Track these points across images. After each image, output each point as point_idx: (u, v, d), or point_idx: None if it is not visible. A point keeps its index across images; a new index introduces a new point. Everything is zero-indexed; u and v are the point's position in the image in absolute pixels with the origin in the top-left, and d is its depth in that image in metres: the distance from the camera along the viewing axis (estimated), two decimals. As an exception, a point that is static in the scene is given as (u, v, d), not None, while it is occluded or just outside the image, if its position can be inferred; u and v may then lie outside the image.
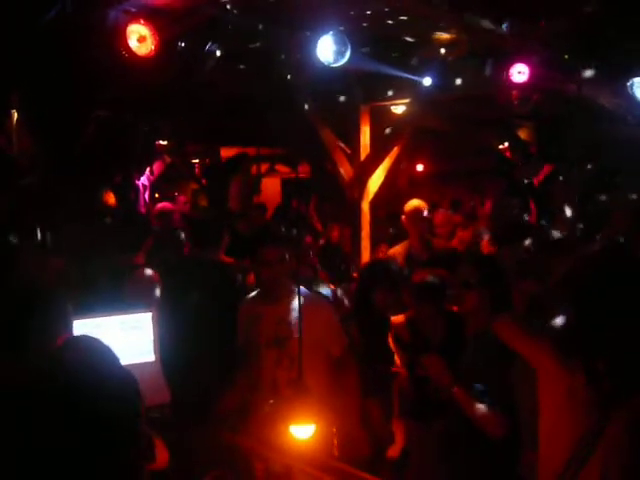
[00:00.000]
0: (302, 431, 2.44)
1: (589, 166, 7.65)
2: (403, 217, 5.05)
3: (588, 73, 4.64)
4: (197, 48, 3.99)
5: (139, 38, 3.46)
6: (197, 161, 10.12)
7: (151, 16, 3.54)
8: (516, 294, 2.73)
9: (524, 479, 2.54)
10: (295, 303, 2.58)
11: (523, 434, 2.52)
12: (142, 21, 3.47)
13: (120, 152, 6.23)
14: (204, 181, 9.06)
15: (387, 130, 5.96)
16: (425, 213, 5.04)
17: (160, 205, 6.45)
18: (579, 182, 7.24)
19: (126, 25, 3.42)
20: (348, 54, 4.42)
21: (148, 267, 3.70)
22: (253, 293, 3.32)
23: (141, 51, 3.47)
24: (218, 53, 4.32)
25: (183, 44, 3.92)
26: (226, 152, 10.28)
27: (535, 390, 2.13)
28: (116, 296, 3.42)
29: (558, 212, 6.50)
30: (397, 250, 5.04)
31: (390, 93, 6.01)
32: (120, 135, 6.01)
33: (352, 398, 3.11)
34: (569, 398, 1.96)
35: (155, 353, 3.00)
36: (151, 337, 3.01)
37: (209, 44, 4.04)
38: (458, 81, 5.45)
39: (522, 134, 8.41)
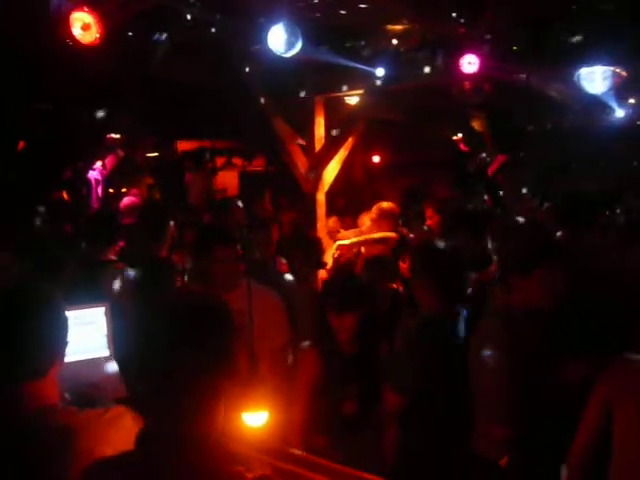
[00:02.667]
0: (255, 419, 2.44)
1: (542, 155, 7.83)
2: (372, 216, 5.04)
3: (536, 64, 4.73)
4: (146, 37, 3.92)
5: (83, 26, 3.37)
6: (153, 155, 9.96)
7: (95, 3, 3.45)
8: None
9: (480, 453, 2.62)
10: (245, 292, 2.57)
11: (479, 408, 2.61)
12: (86, 8, 3.39)
13: (64, 145, 6.06)
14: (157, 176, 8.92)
15: (334, 132, 6.00)
16: (395, 216, 5.08)
17: (128, 200, 6.35)
18: (533, 171, 7.42)
19: (69, 12, 3.33)
20: (299, 44, 4.41)
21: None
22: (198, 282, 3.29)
23: (85, 39, 3.38)
24: (169, 43, 4.27)
25: (131, 33, 3.84)
26: (182, 145, 10.16)
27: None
28: (88, 289, 3.34)
29: (512, 201, 6.65)
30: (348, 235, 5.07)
31: (344, 84, 6.02)
32: (63, 128, 5.84)
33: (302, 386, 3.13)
34: None
35: (109, 348, 2.96)
36: (105, 332, 2.97)
37: (158, 33, 3.97)
38: (411, 72, 5.50)
39: (475, 125, 8.54)
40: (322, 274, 5.49)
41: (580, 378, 2.33)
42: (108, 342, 2.97)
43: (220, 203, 5.97)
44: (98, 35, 3.37)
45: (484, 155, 8.12)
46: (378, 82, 5.42)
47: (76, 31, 3.33)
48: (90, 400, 2.30)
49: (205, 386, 1.61)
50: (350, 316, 2.86)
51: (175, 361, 1.54)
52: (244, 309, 2.99)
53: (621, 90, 5.64)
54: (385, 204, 5.05)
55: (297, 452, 2.83)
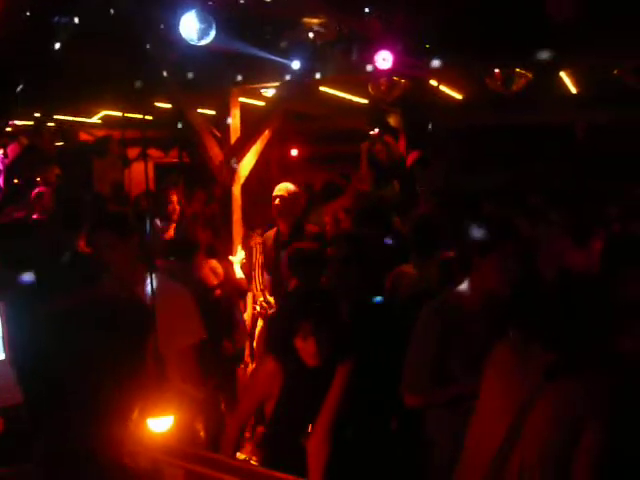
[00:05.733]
0: (160, 424, 2.36)
1: (454, 151, 8.05)
2: (280, 197, 5.01)
3: (442, 62, 4.83)
4: (46, 18, 3.68)
5: (-25, 5, 3.13)
6: (60, 144, 9.52)
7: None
8: None
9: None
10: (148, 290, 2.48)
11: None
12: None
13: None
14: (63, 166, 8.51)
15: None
16: (301, 197, 5.06)
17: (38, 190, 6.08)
18: (444, 167, 7.61)
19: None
20: (213, 33, 4.30)
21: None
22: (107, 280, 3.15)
23: (-22, 20, 3.14)
24: (73, 27, 4.04)
25: (28, 13, 3.60)
26: (90, 134, 9.76)
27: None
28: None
29: (424, 196, 6.78)
30: (268, 235, 5.03)
31: (260, 76, 5.94)
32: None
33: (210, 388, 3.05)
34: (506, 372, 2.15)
35: (5, 352, 2.77)
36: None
37: (60, 15, 3.75)
38: (327, 65, 5.50)
39: (391, 120, 8.67)
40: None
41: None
42: (3, 344, 2.78)
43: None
44: (-9, 15, 3.13)
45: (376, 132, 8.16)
46: (294, 75, 5.38)
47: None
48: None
49: (118, 386, 1.54)
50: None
51: (91, 361, 1.46)
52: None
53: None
54: (291, 185, 5.04)
55: (207, 454, 2.77)
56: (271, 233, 5.20)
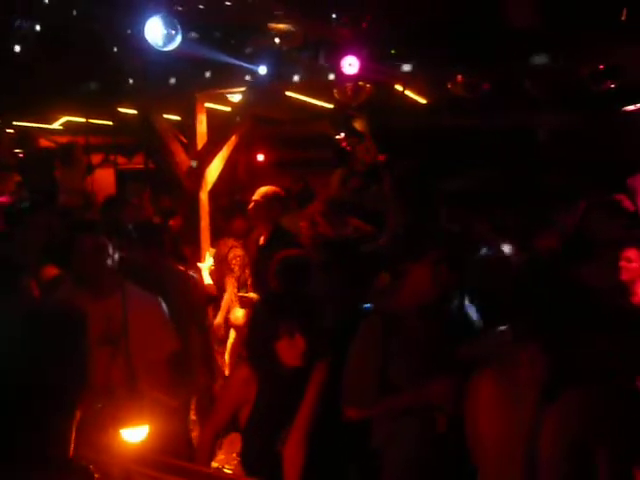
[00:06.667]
0: (134, 434, 2.33)
1: (419, 156, 8.13)
2: (255, 202, 4.93)
3: (408, 67, 4.90)
4: (6, 22, 3.60)
5: None
6: (19, 151, 9.30)
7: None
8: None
9: None
10: (120, 299, 2.44)
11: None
12: None
13: None
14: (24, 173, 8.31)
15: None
16: (278, 200, 4.99)
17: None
18: (410, 171, 7.68)
19: None
20: (179, 38, 4.27)
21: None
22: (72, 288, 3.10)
23: None
24: (35, 32, 3.96)
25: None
26: (52, 140, 9.56)
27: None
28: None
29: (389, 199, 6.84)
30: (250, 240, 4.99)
31: (227, 81, 5.92)
32: None
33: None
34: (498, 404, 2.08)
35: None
36: None
37: (21, 20, 3.67)
38: (293, 71, 5.51)
39: (357, 125, 8.73)
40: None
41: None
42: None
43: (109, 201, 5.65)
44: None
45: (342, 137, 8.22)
46: (260, 80, 5.38)
47: None
48: None
49: (61, 402, 1.50)
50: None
51: (30, 376, 1.41)
52: (118, 316, 2.83)
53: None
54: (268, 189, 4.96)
55: (181, 463, 2.74)
56: (253, 237, 5.09)
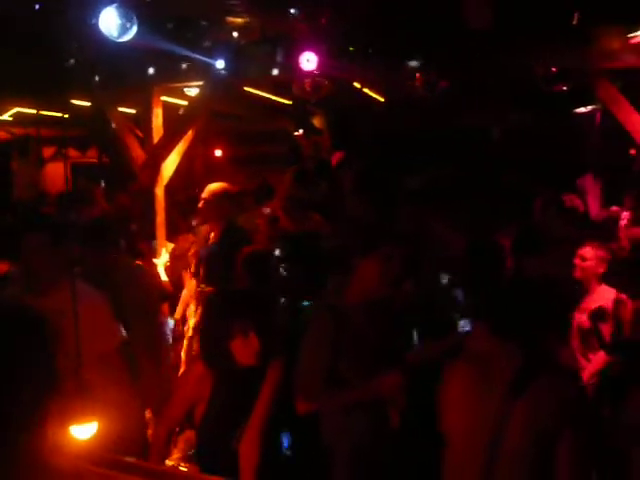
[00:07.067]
0: (83, 431, 2.28)
1: (377, 153, 8.20)
2: (204, 200, 4.85)
3: (366, 65, 4.93)
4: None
5: None
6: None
7: None
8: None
9: None
10: (67, 295, 2.39)
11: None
12: None
13: None
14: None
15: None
16: (228, 197, 4.91)
17: None
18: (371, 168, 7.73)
19: None
20: (134, 30, 4.19)
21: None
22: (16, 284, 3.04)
23: None
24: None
25: None
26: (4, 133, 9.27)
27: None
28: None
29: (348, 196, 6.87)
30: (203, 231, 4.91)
31: (183, 75, 5.83)
32: None
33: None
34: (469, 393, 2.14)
35: None
36: None
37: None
38: (251, 65, 5.47)
39: (315, 122, 8.75)
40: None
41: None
42: None
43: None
44: None
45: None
46: (217, 74, 5.32)
47: None
48: None
49: (32, 403, 1.47)
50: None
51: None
52: (67, 310, 2.77)
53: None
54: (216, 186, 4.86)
55: (133, 461, 2.69)
56: (202, 235, 5.01)
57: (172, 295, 5.30)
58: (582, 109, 7.25)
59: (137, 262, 4.46)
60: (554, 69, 5.53)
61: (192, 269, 5.14)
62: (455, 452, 2.20)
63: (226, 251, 4.37)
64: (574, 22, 4.62)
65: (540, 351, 2.13)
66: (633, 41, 4.61)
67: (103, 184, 7.02)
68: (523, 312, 2.14)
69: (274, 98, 7.26)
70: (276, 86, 6.42)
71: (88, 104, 6.60)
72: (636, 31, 4.53)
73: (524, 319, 2.13)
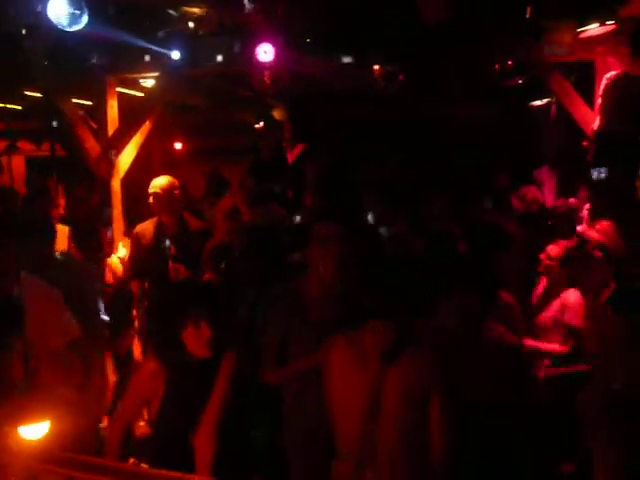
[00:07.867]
0: (34, 431, 2.23)
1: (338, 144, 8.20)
2: (154, 195, 4.76)
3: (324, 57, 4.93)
4: None
5: None
6: None
7: None
8: None
9: None
10: (18, 291, 2.34)
11: None
12: None
13: None
14: None
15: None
16: (177, 190, 4.85)
17: None
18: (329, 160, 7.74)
19: None
20: (85, 19, 4.09)
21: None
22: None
23: None
24: None
25: None
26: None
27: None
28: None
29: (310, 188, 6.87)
30: (146, 226, 4.79)
31: (139, 65, 5.72)
32: None
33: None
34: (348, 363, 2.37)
35: None
36: None
37: None
38: (208, 57, 5.40)
39: (276, 114, 8.69)
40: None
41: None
42: None
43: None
44: None
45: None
46: (173, 65, 5.24)
47: None
48: None
49: None
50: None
51: None
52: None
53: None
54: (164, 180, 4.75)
55: (88, 458, 2.65)
56: (149, 225, 4.88)
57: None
58: (538, 102, 7.37)
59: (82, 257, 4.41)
60: (510, 62, 5.61)
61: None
62: (340, 417, 2.42)
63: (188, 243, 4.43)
64: (527, 16, 4.69)
65: (411, 327, 2.40)
66: (583, 35, 4.71)
67: (55, 177, 6.81)
68: (389, 292, 2.36)
69: (233, 89, 7.18)
70: (235, 77, 6.35)
71: (40, 95, 6.43)
72: (586, 26, 4.62)
73: (391, 299, 2.35)
